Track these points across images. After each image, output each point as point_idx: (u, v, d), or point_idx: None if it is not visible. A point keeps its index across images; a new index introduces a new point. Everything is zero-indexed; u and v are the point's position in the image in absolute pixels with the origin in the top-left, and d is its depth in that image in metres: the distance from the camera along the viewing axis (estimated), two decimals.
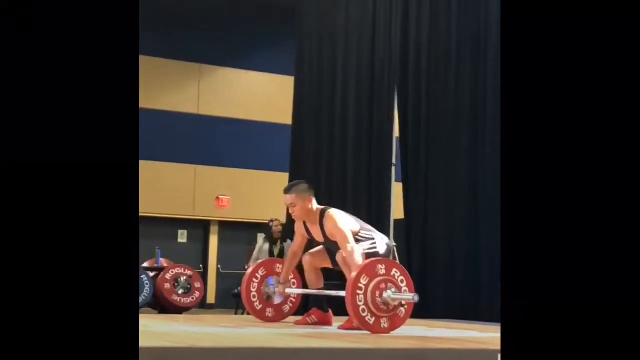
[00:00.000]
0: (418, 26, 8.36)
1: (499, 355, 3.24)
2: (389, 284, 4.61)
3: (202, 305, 12.06)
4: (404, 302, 4.67)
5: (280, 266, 5.65)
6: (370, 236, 5.17)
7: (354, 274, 4.63)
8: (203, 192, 13.74)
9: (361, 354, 3.55)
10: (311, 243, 5.49)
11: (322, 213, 5.17)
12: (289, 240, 9.76)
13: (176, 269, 9.95)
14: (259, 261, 6.05)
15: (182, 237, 13.98)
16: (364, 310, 4.56)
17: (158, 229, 13.02)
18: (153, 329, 4.44)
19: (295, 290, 5.67)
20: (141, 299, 9.15)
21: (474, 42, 7.68)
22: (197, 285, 9.95)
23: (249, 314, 5.98)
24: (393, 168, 8.67)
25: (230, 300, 10.85)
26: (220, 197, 13.86)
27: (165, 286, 9.71)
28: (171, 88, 13.71)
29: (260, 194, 13.39)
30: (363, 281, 4.57)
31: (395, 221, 8.48)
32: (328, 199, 7.99)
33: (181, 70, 13.76)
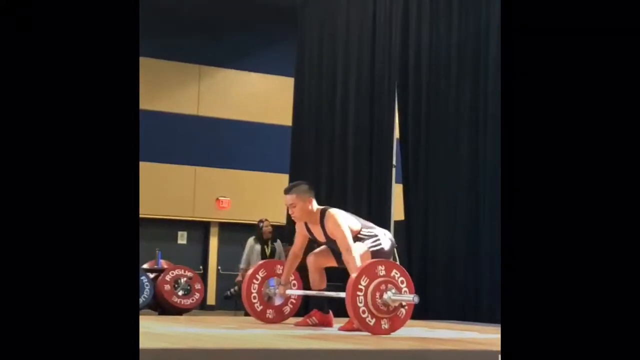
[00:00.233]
0: (418, 27, 8.36)
1: (499, 356, 3.23)
2: (389, 285, 4.61)
3: (202, 306, 12.07)
4: (404, 303, 4.67)
5: (281, 267, 5.65)
6: (372, 233, 5.18)
7: (353, 275, 4.63)
8: (203, 194, 13.75)
9: (362, 355, 3.55)
10: (311, 244, 5.50)
11: (323, 213, 5.18)
12: (278, 241, 9.82)
13: (176, 271, 9.94)
14: (260, 262, 6.05)
15: (182, 238, 13.99)
16: (364, 312, 4.56)
17: (158, 230, 13.03)
18: (153, 330, 4.43)
19: (295, 292, 5.67)
20: (141, 300, 9.14)
21: (474, 42, 7.68)
22: (197, 286, 9.94)
23: (246, 314, 5.98)
24: (393, 169, 8.68)
25: (234, 301, 10.84)
26: (220, 198, 13.87)
27: (166, 287, 9.70)
28: (171, 89, 13.71)
29: (261, 195, 13.39)
30: (363, 282, 4.57)
31: (396, 222, 8.49)
32: (328, 200, 7.99)
33: (181, 71, 13.77)
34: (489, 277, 7.02)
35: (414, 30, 8.41)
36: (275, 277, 5.64)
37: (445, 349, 3.92)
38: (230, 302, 10.61)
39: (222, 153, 13.84)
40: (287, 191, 5.30)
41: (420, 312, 6.19)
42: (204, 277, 13.09)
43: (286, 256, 6.34)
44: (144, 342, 2.85)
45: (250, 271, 5.76)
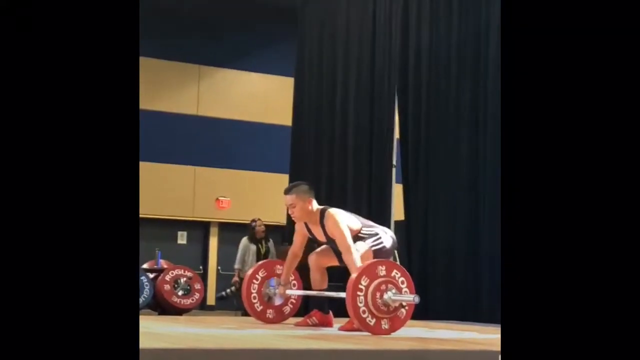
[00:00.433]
0: (418, 27, 8.36)
1: (499, 356, 3.23)
2: (390, 285, 4.61)
3: (202, 306, 12.06)
4: (404, 303, 4.67)
5: (281, 267, 5.65)
6: (373, 232, 5.18)
7: (353, 275, 4.63)
8: (203, 194, 13.75)
9: (362, 355, 3.55)
10: (311, 243, 5.50)
11: (323, 213, 5.18)
12: (271, 240, 9.85)
13: (176, 271, 9.93)
14: (260, 262, 6.05)
15: (182, 238, 13.99)
16: (364, 312, 4.56)
17: (158, 230, 13.03)
18: (153, 330, 4.43)
19: (295, 292, 5.67)
20: (141, 300, 9.14)
21: (474, 42, 7.68)
22: (197, 286, 9.93)
23: (244, 314, 5.98)
24: (393, 169, 8.67)
25: (231, 301, 10.85)
26: (220, 198, 13.87)
27: (165, 287, 9.70)
28: (171, 89, 13.71)
29: (261, 195, 13.39)
30: (363, 282, 4.57)
31: (396, 222, 8.48)
32: (328, 200, 7.98)
33: (181, 71, 13.77)
34: (489, 277, 7.02)
35: (414, 30, 8.41)
36: (276, 277, 5.64)
37: (445, 349, 3.92)
38: (227, 302, 10.61)
39: (222, 153, 13.84)
40: (287, 191, 5.30)
41: (420, 312, 6.19)
42: (203, 277, 13.09)
43: (279, 255, 6.35)
44: (144, 342, 2.85)
45: (250, 271, 5.76)
